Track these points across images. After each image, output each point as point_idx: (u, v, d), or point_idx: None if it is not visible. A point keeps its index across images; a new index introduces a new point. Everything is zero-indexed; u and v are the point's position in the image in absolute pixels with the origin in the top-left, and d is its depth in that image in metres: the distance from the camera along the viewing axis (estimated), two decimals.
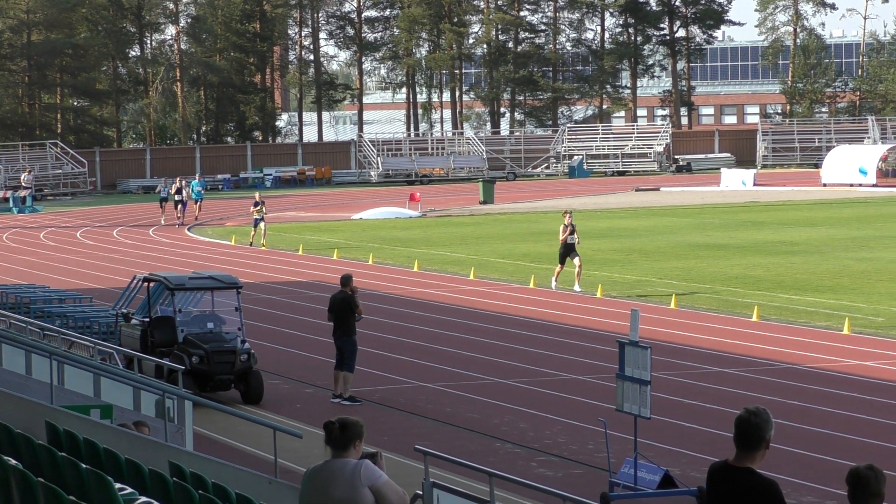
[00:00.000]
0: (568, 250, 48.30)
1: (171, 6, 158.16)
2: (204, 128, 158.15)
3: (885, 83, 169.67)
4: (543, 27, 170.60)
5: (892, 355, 39.49)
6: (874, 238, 71.65)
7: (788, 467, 24.95)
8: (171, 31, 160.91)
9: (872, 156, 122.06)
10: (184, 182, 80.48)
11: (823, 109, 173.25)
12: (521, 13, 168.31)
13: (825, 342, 42.14)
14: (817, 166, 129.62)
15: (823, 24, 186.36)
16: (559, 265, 49.90)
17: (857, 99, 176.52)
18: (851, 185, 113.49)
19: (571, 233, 47.91)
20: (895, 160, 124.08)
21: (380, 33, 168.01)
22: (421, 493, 18.16)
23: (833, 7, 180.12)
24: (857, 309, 46.87)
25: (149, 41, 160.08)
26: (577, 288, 48.49)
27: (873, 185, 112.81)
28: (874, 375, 36.65)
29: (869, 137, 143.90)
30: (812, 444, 28.30)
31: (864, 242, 69.14)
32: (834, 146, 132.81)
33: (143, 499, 14.78)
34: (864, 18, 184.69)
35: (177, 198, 75.37)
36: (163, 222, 75.36)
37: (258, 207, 61.26)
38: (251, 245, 60.15)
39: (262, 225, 59.83)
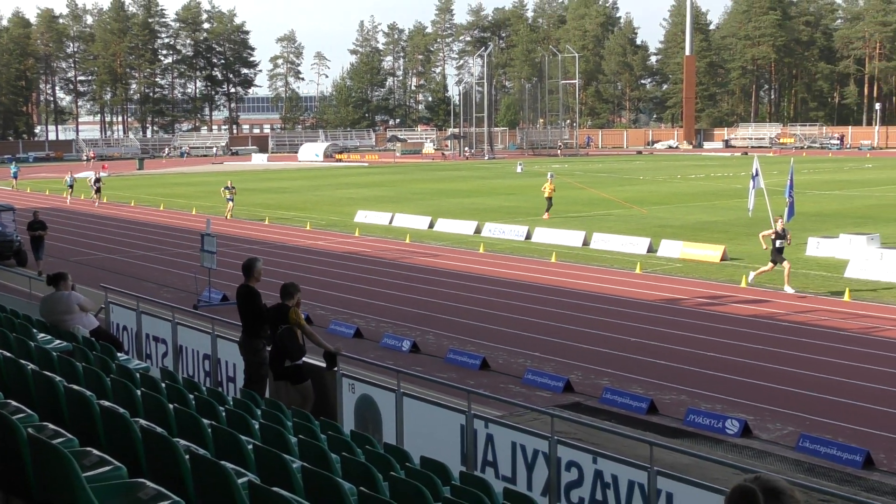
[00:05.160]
0: (779, 253, 26.67)
1: None
2: None
3: (328, 114, 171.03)
4: (166, 86, 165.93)
5: (334, 239, 39.89)
6: (322, 185, 72.07)
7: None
8: None
9: (320, 148, 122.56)
10: (99, 171, 66.04)
11: (299, 127, 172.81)
12: (156, 79, 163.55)
13: (298, 233, 42.06)
14: (296, 153, 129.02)
15: (300, 86, 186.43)
16: (770, 264, 26.67)
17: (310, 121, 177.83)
18: (311, 161, 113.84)
19: (783, 236, 26.38)
20: (334, 149, 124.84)
21: (86, 88, 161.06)
22: (104, 306, 17.86)
23: (303, 78, 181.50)
24: (313, 218, 47.04)
25: None
26: (788, 289, 26.07)
27: (322, 162, 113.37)
28: (325, 249, 37.00)
29: (319, 140, 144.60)
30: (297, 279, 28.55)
31: (317, 188, 69.49)
32: (303, 145, 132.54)
33: None
34: (318, 83, 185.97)
35: (97, 185, 58.33)
36: (69, 202, 59.02)
37: (227, 191, 48.15)
38: (227, 218, 46.93)
39: (231, 203, 47.66)
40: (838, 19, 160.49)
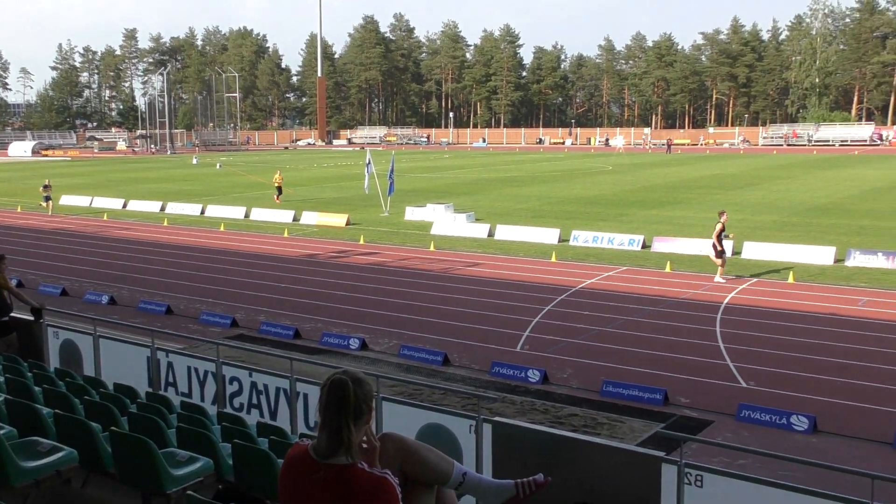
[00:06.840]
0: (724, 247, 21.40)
1: None
2: None
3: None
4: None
5: (42, 218, 36.24)
6: (30, 176, 64.88)
7: None
8: None
9: (28, 146, 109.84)
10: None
11: (8, 129, 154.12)
12: None
13: (11, 214, 37.84)
14: (7, 150, 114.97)
15: (7, 94, 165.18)
16: (721, 260, 20.92)
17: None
18: (20, 157, 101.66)
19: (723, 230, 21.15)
20: (40, 146, 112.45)
21: None
22: None
23: (10, 89, 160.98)
24: (24, 202, 42.50)
25: None
26: (719, 279, 20.68)
27: (30, 157, 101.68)
28: (34, 226, 33.49)
29: (27, 139, 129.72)
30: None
31: (26, 178, 62.63)
32: (12, 143, 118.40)
33: None
34: (24, 93, 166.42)
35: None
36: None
37: (44, 189, 38.07)
38: (49, 214, 37.16)
39: (50, 202, 37.73)
40: (423, 53, 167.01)
